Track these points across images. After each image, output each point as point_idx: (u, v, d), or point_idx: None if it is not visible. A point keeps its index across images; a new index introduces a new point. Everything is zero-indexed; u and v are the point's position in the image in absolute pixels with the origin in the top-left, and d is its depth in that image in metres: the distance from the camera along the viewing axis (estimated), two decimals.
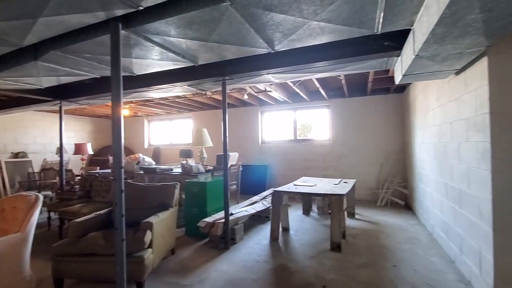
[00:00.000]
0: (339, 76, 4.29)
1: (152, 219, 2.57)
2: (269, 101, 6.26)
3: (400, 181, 5.34)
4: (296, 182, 4.30)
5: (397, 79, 2.73)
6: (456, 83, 2.58)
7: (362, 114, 5.83)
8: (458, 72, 2.49)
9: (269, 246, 3.34)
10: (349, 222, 4.27)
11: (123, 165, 1.80)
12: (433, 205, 3.47)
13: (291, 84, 4.63)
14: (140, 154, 6.35)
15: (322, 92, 5.28)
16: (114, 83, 1.82)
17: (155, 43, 2.30)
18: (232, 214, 3.66)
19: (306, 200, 4.85)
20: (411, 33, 2.05)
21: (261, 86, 4.78)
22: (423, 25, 1.71)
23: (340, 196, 3.18)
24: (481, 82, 2.07)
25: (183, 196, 4.02)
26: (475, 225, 2.23)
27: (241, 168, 5.61)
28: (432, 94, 3.42)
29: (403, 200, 5.20)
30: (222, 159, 3.44)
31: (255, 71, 2.89)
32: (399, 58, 2.56)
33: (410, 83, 4.62)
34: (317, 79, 4.51)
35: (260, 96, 5.67)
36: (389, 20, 1.85)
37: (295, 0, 1.62)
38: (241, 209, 4.01)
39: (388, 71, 4.02)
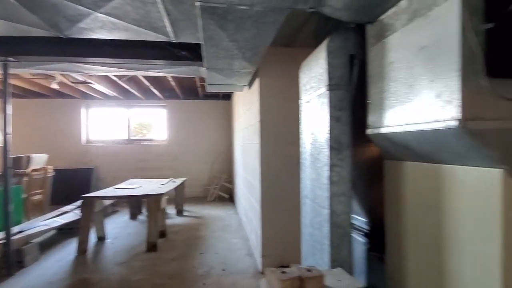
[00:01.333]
0: (168, 77, 4.35)
1: None
2: (95, 95, 5.47)
3: (227, 177, 6.09)
4: (118, 185, 3.99)
5: (206, 87, 3.08)
6: (249, 95, 3.22)
7: (196, 117, 6.21)
8: (250, 87, 3.11)
9: (73, 261, 2.91)
10: (176, 219, 4.42)
11: None
12: (241, 195, 4.17)
13: (115, 79, 4.25)
14: None
15: (156, 91, 5.19)
16: None
17: None
18: (21, 231, 2.92)
19: (134, 203, 4.59)
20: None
21: (79, 76, 4.10)
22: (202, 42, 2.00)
23: (156, 196, 3.22)
24: (257, 97, 2.67)
25: None
26: (256, 208, 2.85)
27: (52, 173, 4.61)
28: (241, 103, 4.11)
29: (229, 194, 5.95)
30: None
31: (48, 56, 2.43)
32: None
33: (233, 92, 5.35)
34: (147, 78, 4.37)
35: (81, 88, 4.86)
36: (178, 33, 2.03)
37: None
38: (41, 223, 3.28)
39: None
